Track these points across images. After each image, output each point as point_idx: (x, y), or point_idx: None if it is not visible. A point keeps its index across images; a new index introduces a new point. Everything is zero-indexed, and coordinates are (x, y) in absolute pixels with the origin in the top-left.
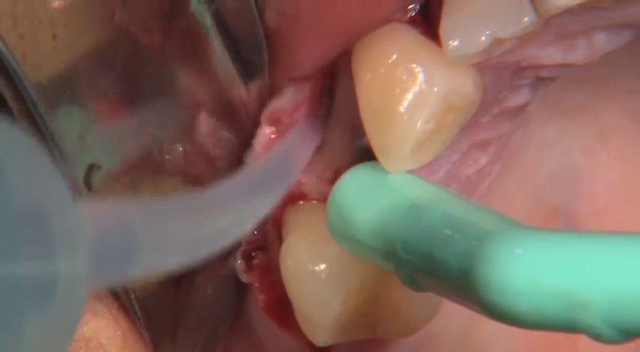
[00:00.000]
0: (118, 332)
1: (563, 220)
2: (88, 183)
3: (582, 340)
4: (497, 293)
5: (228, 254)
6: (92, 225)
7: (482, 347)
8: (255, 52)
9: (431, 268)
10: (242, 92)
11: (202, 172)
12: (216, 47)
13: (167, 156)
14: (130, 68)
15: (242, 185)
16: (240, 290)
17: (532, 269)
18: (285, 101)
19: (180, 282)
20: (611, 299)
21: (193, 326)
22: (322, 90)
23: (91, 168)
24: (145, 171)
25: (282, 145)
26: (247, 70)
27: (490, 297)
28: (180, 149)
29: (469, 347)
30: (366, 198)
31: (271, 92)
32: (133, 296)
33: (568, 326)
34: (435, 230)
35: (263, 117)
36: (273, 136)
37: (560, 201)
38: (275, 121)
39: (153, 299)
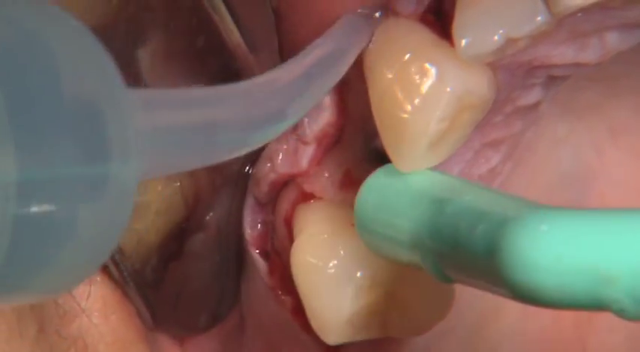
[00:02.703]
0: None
1: None
2: None
3: (592, 340)
4: (523, 270)
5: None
6: (144, 118)
7: (491, 347)
8: (262, 31)
9: (458, 254)
10: (252, 63)
11: None
12: (226, 21)
13: None
14: (129, 45)
15: (294, 72)
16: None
17: (557, 245)
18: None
19: (178, 256)
20: (636, 273)
21: (193, 304)
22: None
23: None
24: None
25: (331, 38)
26: (255, 46)
27: (516, 276)
28: None
29: (479, 346)
30: (391, 194)
31: None
32: (126, 274)
33: (593, 303)
34: (460, 217)
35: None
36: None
37: (571, 200)
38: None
39: (153, 276)
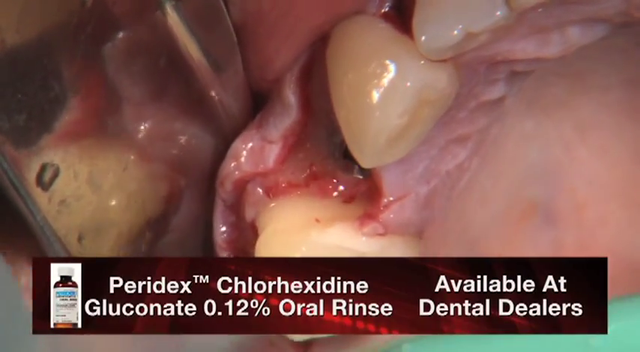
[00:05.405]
0: None
1: (542, 215)
2: (41, 183)
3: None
4: None
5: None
6: None
7: None
8: (225, 49)
9: None
10: (216, 86)
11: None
12: (187, 42)
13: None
14: (89, 65)
15: None
16: None
17: None
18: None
19: None
20: None
21: None
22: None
23: (44, 168)
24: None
25: None
26: (218, 64)
27: None
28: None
29: None
30: None
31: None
32: None
33: None
34: None
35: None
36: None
37: (539, 196)
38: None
39: None
